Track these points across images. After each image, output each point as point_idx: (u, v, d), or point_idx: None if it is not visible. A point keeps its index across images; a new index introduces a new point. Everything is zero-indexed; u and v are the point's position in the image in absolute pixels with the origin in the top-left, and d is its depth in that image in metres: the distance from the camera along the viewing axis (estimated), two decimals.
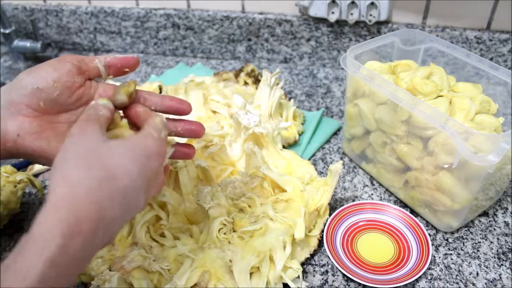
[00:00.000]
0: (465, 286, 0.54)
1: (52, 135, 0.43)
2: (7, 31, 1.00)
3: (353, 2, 0.84)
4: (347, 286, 0.54)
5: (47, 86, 0.42)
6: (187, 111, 0.50)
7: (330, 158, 0.74)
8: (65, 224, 0.32)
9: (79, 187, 0.33)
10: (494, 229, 0.61)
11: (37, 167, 0.72)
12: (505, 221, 0.62)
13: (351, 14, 0.85)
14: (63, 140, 0.39)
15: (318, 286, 0.55)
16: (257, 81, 0.85)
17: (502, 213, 0.63)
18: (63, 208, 0.32)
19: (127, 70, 0.48)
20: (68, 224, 0.32)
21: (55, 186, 0.34)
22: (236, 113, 0.66)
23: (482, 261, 0.57)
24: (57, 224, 0.31)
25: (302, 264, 0.56)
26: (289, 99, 0.84)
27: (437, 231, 0.61)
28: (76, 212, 0.32)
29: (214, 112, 0.77)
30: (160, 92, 0.83)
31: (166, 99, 0.49)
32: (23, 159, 0.44)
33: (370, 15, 0.84)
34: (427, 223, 0.62)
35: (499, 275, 0.55)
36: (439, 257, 0.57)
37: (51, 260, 0.30)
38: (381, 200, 0.65)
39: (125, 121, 0.46)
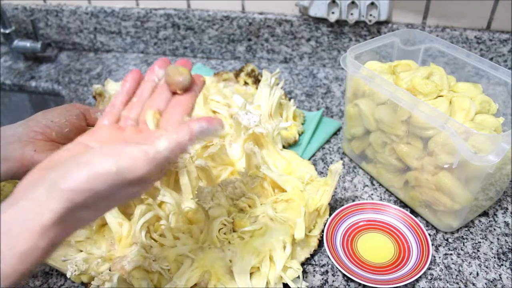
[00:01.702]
0: (465, 286, 0.54)
1: None
2: (7, 31, 1.00)
3: (353, 2, 0.84)
4: (347, 286, 0.54)
5: (60, 122, 0.50)
6: None
7: (330, 158, 0.74)
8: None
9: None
10: (494, 229, 0.61)
11: None
12: (505, 221, 0.62)
13: (351, 14, 0.85)
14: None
15: (318, 286, 0.55)
16: (257, 81, 0.85)
17: (502, 213, 0.63)
18: None
19: None
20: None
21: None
22: (236, 113, 0.66)
23: (482, 261, 0.57)
24: None
25: (302, 264, 0.56)
26: (289, 99, 0.84)
27: (437, 231, 0.61)
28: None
29: (214, 112, 0.77)
30: None
31: None
32: None
33: (370, 15, 0.84)
34: (427, 223, 0.62)
35: (499, 275, 0.55)
36: (439, 257, 0.57)
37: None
38: (381, 200, 0.65)
39: None
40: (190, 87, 0.42)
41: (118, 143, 0.35)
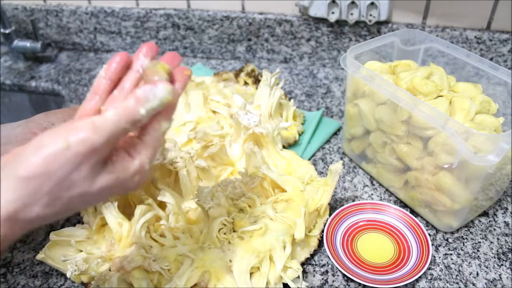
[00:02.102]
0: (465, 286, 0.54)
1: None
2: (7, 31, 1.00)
3: (353, 2, 0.84)
4: (347, 286, 0.54)
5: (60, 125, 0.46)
6: None
7: (330, 158, 0.74)
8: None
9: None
10: (494, 229, 0.61)
11: None
12: (505, 221, 0.62)
13: (351, 14, 0.85)
14: None
15: (318, 286, 0.55)
16: (257, 81, 0.85)
17: (502, 213, 0.63)
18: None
19: None
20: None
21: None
22: (236, 113, 0.66)
23: (482, 261, 0.57)
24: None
25: (302, 264, 0.56)
26: (289, 99, 0.84)
27: (437, 231, 0.61)
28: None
29: (214, 112, 0.77)
30: None
31: None
32: None
33: (370, 15, 0.84)
34: (427, 223, 0.62)
35: (499, 275, 0.55)
36: (439, 257, 0.57)
37: None
38: (381, 200, 0.65)
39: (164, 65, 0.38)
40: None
41: (66, 122, 0.34)
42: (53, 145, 0.32)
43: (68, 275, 0.52)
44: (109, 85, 0.39)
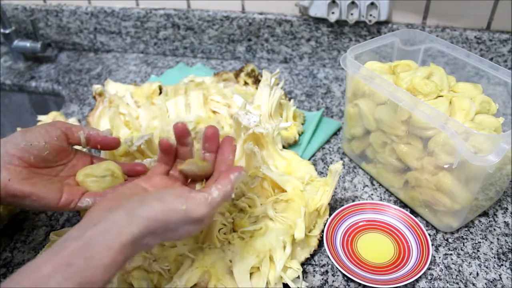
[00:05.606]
0: (465, 286, 0.54)
1: (38, 181, 0.49)
2: (7, 31, 1.00)
3: (353, 2, 0.84)
4: (347, 286, 0.54)
5: (39, 145, 0.49)
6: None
7: (330, 158, 0.74)
8: None
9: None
10: (494, 229, 0.61)
11: None
12: (505, 221, 0.62)
13: (351, 14, 0.85)
14: (46, 185, 0.48)
15: (318, 286, 0.55)
16: (257, 81, 0.85)
17: (502, 213, 0.63)
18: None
19: (100, 147, 0.55)
20: None
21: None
22: (236, 113, 0.66)
23: (482, 261, 0.57)
24: None
25: (302, 264, 0.56)
26: (289, 99, 0.84)
27: (437, 231, 0.61)
28: None
29: (214, 112, 0.77)
30: (160, 93, 0.83)
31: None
32: (7, 204, 0.49)
33: (370, 15, 0.84)
34: (427, 223, 0.62)
35: (499, 275, 0.55)
36: (439, 257, 0.57)
37: None
38: (381, 200, 0.65)
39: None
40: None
41: (182, 189, 0.43)
42: (174, 203, 0.40)
43: None
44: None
